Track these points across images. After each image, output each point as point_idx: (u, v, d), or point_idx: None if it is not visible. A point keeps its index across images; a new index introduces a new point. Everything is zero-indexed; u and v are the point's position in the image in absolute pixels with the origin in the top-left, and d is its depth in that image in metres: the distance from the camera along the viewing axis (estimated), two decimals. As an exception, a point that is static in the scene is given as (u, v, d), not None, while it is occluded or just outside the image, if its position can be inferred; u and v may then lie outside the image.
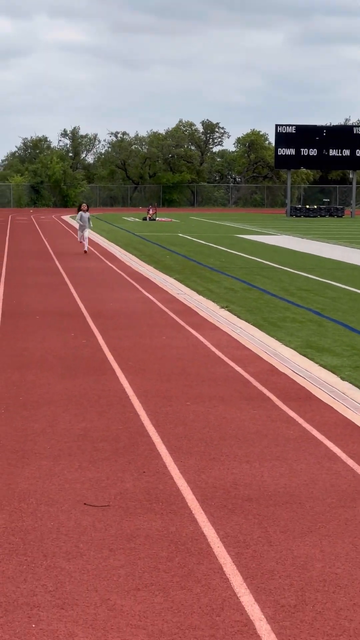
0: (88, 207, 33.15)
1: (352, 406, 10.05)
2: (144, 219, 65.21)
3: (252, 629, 4.90)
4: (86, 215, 31.71)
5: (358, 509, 6.79)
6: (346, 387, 11.03)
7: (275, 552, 5.94)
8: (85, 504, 6.80)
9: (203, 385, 10.92)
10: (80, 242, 32.38)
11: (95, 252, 32.61)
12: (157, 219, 65.17)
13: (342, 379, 11.46)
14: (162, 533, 6.24)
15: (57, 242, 38.67)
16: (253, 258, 30.72)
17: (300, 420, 9.34)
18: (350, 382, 11.24)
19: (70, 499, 6.90)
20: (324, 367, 12.18)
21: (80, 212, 31.96)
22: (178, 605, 5.17)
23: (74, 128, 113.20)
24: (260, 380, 11.21)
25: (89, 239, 33.55)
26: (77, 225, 33.10)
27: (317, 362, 12.48)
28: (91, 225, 32.94)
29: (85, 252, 31.60)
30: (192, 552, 5.92)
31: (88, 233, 32.50)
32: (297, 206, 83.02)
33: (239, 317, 16.65)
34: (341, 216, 78.62)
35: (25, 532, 6.24)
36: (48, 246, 35.92)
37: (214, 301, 18.84)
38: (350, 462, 7.97)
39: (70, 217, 65.50)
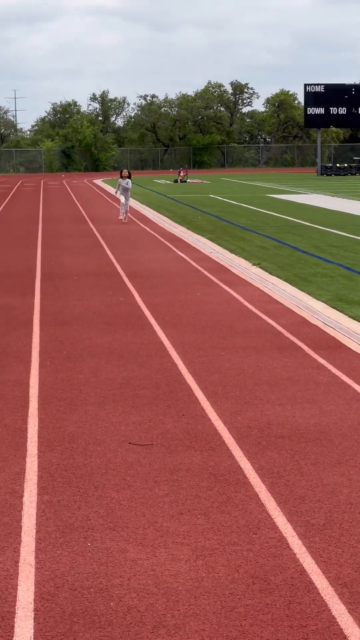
0: (129, 173, 30.18)
1: (379, 353, 10.53)
2: (175, 181, 65.51)
3: (285, 543, 5.44)
4: (125, 181, 29.07)
5: (383, 443, 7.31)
6: (374, 336, 11.49)
7: (306, 481, 6.48)
8: (130, 443, 7.37)
9: (237, 337, 11.44)
10: (123, 211, 29.86)
11: (129, 214, 33.10)
12: (188, 180, 65.45)
13: (371, 328, 11.91)
14: (202, 467, 6.80)
15: (90, 205, 39.19)
16: (284, 217, 31.09)
17: (330, 367, 9.85)
18: (379, 332, 11.69)
19: (116, 439, 7.46)
20: (354, 318, 12.65)
21: (119, 180, 29.48)
22: (218, 525, 5.73)
23: (103, 92, 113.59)
24: (292, 332, 11.72)
25: (130, 206, 31.53)
26: (118, 195, 30.13)
27: (346, 314, 12.94)
28: (129, 187, 29.71)
29: (122, 220, 29.51)
30: (230, 482, 6.47)
31: (127, 202, 30.03)
32: (327, 165, 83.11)
33: (270, 273, 17.12)
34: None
35: (77, 467, 6.82)
36: (82, 210, 36.44)
37: (245, 259, 19.30)
38: (376, 403, 8.47)
39: (102, 180, 65.96)
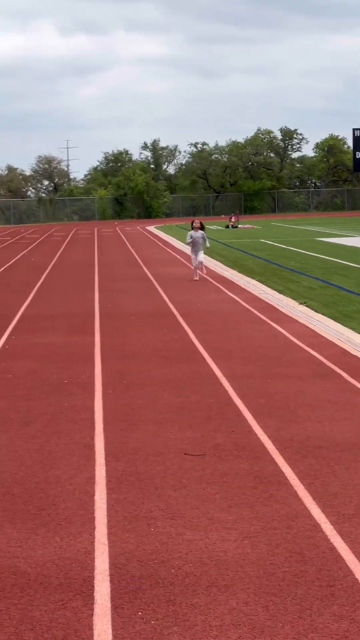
0: (202, 224, 26.04)
1: None
2: (227, 226, 66.87)
3: (319, 528, 6.43)
4: (198, 234, 25.29)
5: None
6: None
7: (339, 482, 7.46)
8: (185, 454, 8.40)
9: (282, 367, 12.46)
10: (194, 268, 25.89)
11: (181, 258, 34.29)
12: (239, 226, 66.75)
13: None
14: (248, 471, 7.81)
15: (143, 251, 40.50)
16: (331, 259, 32.08)
17: (367, 391, 10.81)
18: None
19: (173, 451, 8.51)
20: (392, 350, 13.57)
21: (190, 232, 25.75)
22: (262, 515, 6.73)
23: (154, 140, 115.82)
24: (333, 361, 12.70)
25: (205, 265, 27.19)
26: (188, 249, 27.55)
27: (385, 346, 13.86)
28: (208, 246, 26.12)
29: (196, 279, 25.30)
30: (272, 483, 7.48)
31: (202, 257, 25.94)
32: None
33: (316, 311, 18.12)
34: None
35: (139, 473, 7.86)
36: (135, 255, 37.74)
37: (293, 298, 20.33)
38: None
39: (155, 227, 67.52)
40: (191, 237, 25.40)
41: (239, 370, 12.29)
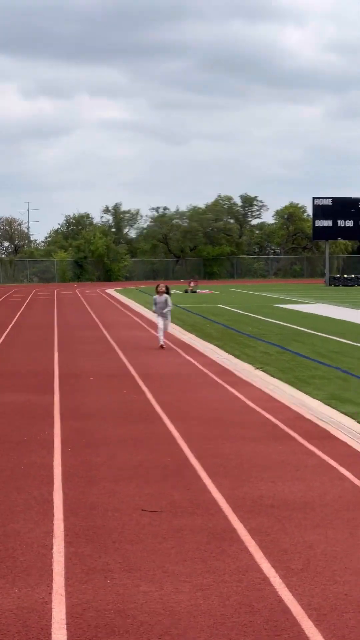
0: (167, 288, 25.36)
1: (364, 443, 11.83)
2: (185, 291, 67.45)
3: (268, 582, 6.70)
4: (162, 298, 24.75)
5: (358, 512, 8.58)
6: (361, 429, 12.80)
7: (289, 538, 7.74)
8: (142, 510, 8.65)
9: (237, 429, 12.77)
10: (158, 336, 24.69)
11: (140, 322, 34.65)
12: (197, 291, 67.37)
13: None
14: (202, 527, 8.07)
15: (103, 313, 40.82)
16: (289, 325, 32.61)
17: (319, 453, 11.16)
18: (366, 425, 13.00)
19: (131, 507, 8.75)
20: (345, 413, 13.97)
21: (155, 297, 25.18)
22: (214, 569, 6.99)
23: (116, 204, 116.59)
24: (288, 425, 13.04)
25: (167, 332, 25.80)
26: (154, 316, 27.00)
27: (339, 410, 14.28)
28: (170, 306, 24.83)
29: (162, 346, 24.25)
30: (225, 539, 7.75)
31: (166, 324, 25.09)
32: (336, 276, 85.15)
33: (272, 376, 18.49)
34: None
35: (97, 528, 8.10)
36: (95, 317, 38.05)
37: (249, 363, 20.70)
38: (357, 481, 9.76)
39: (115, 290, 67.98)
40: (155, 301, 25.00)
41: (195, 431, 12.57)
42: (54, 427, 13.00)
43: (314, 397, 15.60)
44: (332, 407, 14.63)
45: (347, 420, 13.51)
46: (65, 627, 5.88)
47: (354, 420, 13.43)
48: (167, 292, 25.06)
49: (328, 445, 11.67)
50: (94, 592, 6.51)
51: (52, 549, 7.53)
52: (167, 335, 27.86)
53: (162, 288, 25.09)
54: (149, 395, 15.91)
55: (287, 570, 6.95)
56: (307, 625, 5.88)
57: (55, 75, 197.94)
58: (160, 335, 24.61)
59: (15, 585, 6.66)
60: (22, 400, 15.56)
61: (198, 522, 8.25)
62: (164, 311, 24.63)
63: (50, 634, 5.76)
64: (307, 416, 13.83)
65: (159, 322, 24.80)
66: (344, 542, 7.66)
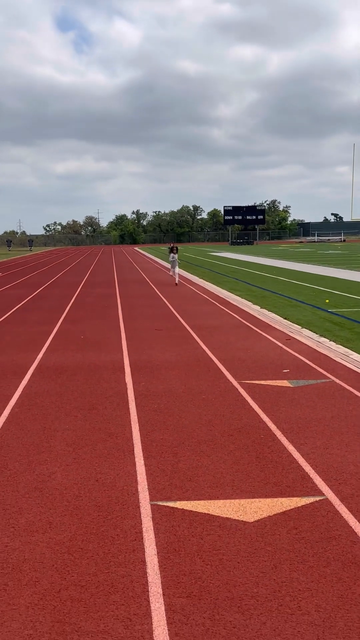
0: (177, 248, 36.80)
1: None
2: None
3: (205, 352, 18.45)
4: (173, 254, 36.35)
5: (239, 328, 20.39)
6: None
7: (212, 338, 19.52)
8: (155, 329, 20.34)
9: (193, 304, 24.51)
10: (172, 275, 37.62)
11: (157, 265, 45.54)
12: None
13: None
14: (179, 335, 19.81)
15: (134, 258, 51.91)
16: (218, 263, 44.57)
17: (225, 309, 22.97)
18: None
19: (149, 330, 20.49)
20: (236, 295, 25.83)
21: (171, 254, 36.60)
22: (183, 348, 18.71)
23: (137, 210, 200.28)
24: (213, 298, 24.85)
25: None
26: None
27: (233, 293, 26.12)
28: (177, 262, 37.69)
29: (176, 284, 35.64)
30: (188, 337, 19.48)
31: (175, 270, 36.64)
32: (234, 240, 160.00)
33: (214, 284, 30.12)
34: (251, 244, 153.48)
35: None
36: (130, 260, 48.99)
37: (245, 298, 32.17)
38: (240, 319, 21.60)
39: (139, 248, 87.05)
40: (171, 256, 36.79)
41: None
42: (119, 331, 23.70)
43: (222, 289, 27.31)
44: (230, 292, 26.38)
45: (236, 297, 25.24)
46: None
47: (237, 296, 25.12)
48: (176, 250, 36.71)
49: (228, 306, 23.39)
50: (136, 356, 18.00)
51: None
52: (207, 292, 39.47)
53: (174, 247, 36.70)
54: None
55: (212, 347, 18.10)
56: (218, 364, 17.22)
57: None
58: (176, 277, 36.55)
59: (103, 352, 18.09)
60: (105, 293, 27.01)
61: (177, 333, 19.76)
62: (174, 261, 36.94)
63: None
64: (221, 295, 25.49)
65: (172, 268, 37.16)
66: (233, 336, 19.29)
